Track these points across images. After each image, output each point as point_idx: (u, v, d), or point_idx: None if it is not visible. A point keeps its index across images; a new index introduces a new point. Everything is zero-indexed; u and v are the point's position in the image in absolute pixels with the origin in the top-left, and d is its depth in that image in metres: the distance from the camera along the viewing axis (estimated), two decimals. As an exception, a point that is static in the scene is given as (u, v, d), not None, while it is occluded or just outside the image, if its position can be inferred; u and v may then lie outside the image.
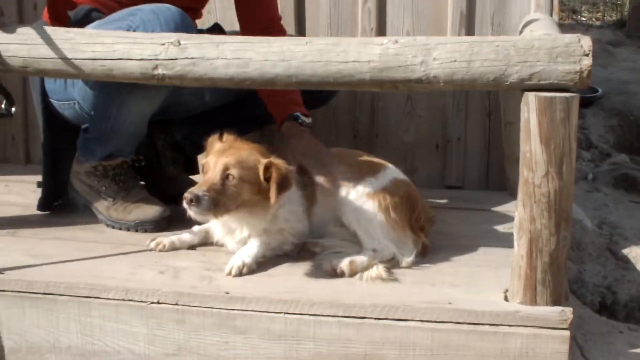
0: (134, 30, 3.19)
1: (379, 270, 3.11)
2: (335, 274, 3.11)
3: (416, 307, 2.87)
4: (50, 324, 3.09)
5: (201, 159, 3.34)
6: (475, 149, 4.28)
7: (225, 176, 3.06)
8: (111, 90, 3.34)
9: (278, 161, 3.14)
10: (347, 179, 3.32)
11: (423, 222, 3.33)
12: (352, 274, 3.11)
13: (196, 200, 2.98)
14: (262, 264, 3.20)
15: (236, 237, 3.27)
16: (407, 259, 3.20)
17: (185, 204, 3.00)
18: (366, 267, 3.12)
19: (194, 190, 3.00)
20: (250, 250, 3.19)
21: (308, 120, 3.65)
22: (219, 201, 3.03)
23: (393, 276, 3.12)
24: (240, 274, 3.13)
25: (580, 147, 6.00)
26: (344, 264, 3.12)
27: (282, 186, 3.11)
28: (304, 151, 3.46)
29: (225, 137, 3.24)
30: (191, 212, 3.02)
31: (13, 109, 3.19)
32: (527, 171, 2.76)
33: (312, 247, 3.29)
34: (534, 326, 2.81)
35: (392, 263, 3.19)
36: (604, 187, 5.37)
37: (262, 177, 3.10)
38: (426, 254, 3.30)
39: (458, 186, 4.31)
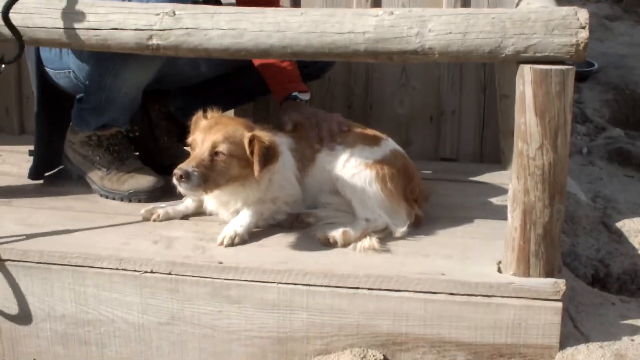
0: (129, 0, 3.18)
1: (372, 241, 3.13)
2: (328, 243, 3.14)
3: (409, 278, 2.90)
4: (45, 293, 3.11)
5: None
6: (470, 122, 4.28)
7: (213, 152, 3.07)
8: (106, 60, 3.34)
9: (261, 133, 3.15)
10: (345, 147, 3.35)
11: (417, 195, 3.35)
12: (346, 244, 3.13)
13: (186, 177, 3.00)
14: (255, 234, 3.22)
15: (230, 208, 3.28)
16: (401, 229, 3.23)
17: (175, 180, 3.02)
18: (359, 237, 3.15)
19: (183, 166, 3.02)
20: (243, 220, 3.21)
21: (305, 97, 3.68)
22: (209, 177, 3.05)
23: (386, 247, 3.14)
24: (232, 244, 3.15)
25: (575, 121, 6.00)
26: (338, 234, 3.14)
27: (267, 158, 3.12)
28: (300, 110, 3.54)
29: (210, 113, 3.25)
30: (181, 189, 3.04)
31: (3, 66, 3.17)
32: (522, 143, 2.77)
33: (305, 217, 3.31)
34: (526, 297, 2.84)
35: (385, 233, 3.22)
36: (599, 161, 5.37)
37: (247, 150, 3.11)
38: (419, 226, 3.32)
39: (452, 159, 4.32)
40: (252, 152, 3.11)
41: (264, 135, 3.14)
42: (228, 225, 3.20)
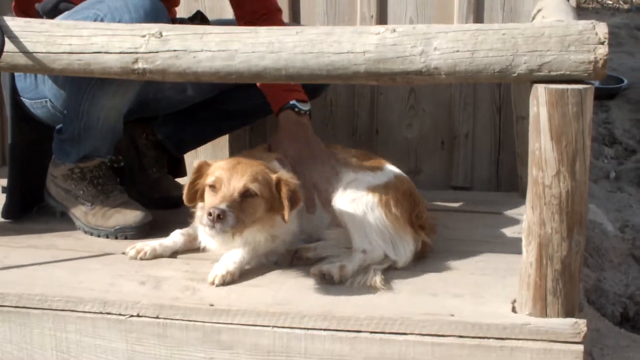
0: (102, 19, 3.21)
1: (374, 278, 3.10)
2: (323, 279, 3.10)
3: (415, 320, 2.86)
4: (24, 340, 3.09)
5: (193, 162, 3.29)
6: (485, 146, 4.27)
7: (244, 192, 3.05)
8: (81, 84, 3.35)
9: (286, 176, 3.17)
10: (347, 171, 3.35)
11: (424, 221, 3.35)
12: (343, 280, 3.11)
13: (223, 217, 2.96)
14: (248, 272, 3.21)
15: (233, 247, 3.24)
16: (403, 260, 3.22)
17: (207, 221, 2.97)
18: (357, 272, 3.12)
19: (219, 205, 2.98)
20: (235, 257, 3.18)
21: (305, 107, 3.65)
22: (240, 219, 3.02)
23: (389, 285, 3.11)
24: (223, 283, 3.12)
25: (602, 143, 5.99)
26: (334, 269, 3.11)
27: (293, 202, 3.13)
28: (299, 157, 3.49)
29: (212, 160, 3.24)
30: (212, 231, 2.99)
31: None
32: (537, 170, 2.74)
33: (304, 253, 3.29)
34: (544, 340, 2.80)
35: (387, 263, 3.20)
36: (628, 186, 5.35)
37: (274, 192, 3.12)
38: (426, 255, 3.31)
39: (465, 187, 4.30)
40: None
41: (289, 177, 3.16)
42: (219, 263, 3.18)
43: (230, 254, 3.20)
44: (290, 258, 3.29)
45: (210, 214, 2.96)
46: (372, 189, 3.27)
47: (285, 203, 3.10)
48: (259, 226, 3.16)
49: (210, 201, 3.06)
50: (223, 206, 2.98)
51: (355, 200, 3.25)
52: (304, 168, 3.45)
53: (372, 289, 3.08)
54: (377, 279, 3.10)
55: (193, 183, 3.20)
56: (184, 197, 3.21)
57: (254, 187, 3.06)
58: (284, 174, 3.18)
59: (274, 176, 3.15)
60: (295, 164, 3.46)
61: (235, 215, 2.99)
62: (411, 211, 3.31)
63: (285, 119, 3.61)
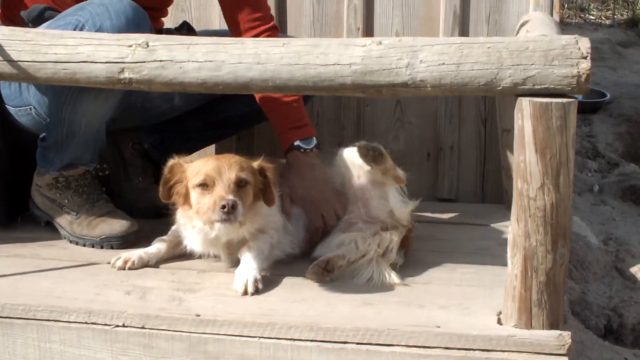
0: (83, 25, 3.22)
1: (391, 276, 3.20)
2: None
3: (402, 331, 2.86)
4: (7, 350, 3.07)
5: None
6: (470, 159, 4.29)
7: (238, 182, 3.12)
8: (62, 91, 3.34)
9: (264, 161, 3.26)
10: None
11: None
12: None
13: (235, 206, 3.05)
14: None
15: (233, 247, 3.29)
16: (404, 214, 3.43)
17: (221, 214, 3.05)
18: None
19: (227, 197, 3.05)
20: (251, 263, 3.19)
21: (309, 145, 3.60)
22: (243, 207, 3.10)
23: (406, 281, 3.21)
24: (257, 290, 3.12)
25: (586, 157, 6.00)
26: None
27: (275, 184, 3.25)
28: (309, 198, 3.50)
29: (183, 158, 3.28)
30: (225, 223, 3.08)
31: None
32: (522, 183, 2.75)
33: (337, 261, 3.25)
34: (529, 352, 2.79)
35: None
36: (611, 199, 5.36)
37: (259, 179, 3.21)
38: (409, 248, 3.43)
39: (451, 199, 4.32)
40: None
41: (265, 162, 3.27)
42: (240, 273, 3.17)
43: (245, 263, 3.20)
44: (324, 267, 3.24)
45: (224, 206, 3.03)
46: None
47: (274, 187, 3.22)
48: (250, 214, 3.20)
49: (207, 199, 3.10)
50: (231, 197, 3.05)
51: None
52: (313, 208, 3.47)
53: (388, 287, 3.18)
54: (394, 277, 3.20)
55: (166, 183, 3.24)
56: (160, 195, 3.26)
57: (245, 175, 3.13)
58: (262, 161, 3.26)
59: (254, 164, 3.23)
60: (304, 203, 3.47)
61: (241, 204, 3.07)
62: None
63: (293, 159, 3.59)
